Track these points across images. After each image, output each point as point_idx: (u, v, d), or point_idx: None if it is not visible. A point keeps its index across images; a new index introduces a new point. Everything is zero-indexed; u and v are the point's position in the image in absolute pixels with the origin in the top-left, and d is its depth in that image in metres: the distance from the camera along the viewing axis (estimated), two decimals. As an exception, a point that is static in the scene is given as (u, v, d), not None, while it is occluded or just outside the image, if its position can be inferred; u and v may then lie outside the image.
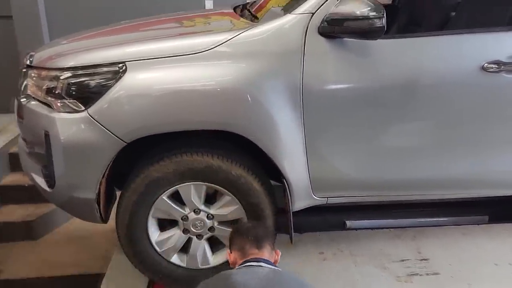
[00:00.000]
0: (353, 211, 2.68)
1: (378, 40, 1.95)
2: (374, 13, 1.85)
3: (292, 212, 2.20)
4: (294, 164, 2.11)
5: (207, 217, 2.17)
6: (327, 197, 2.26)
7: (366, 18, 1.85)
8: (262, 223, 2.09)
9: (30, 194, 3.31)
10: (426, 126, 2.19)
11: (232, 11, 2.72)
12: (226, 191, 2.11)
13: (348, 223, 2.66)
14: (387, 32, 1.95)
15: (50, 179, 2.04)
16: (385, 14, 1.87)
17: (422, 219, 2.75)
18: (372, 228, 2.73)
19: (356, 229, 2.71)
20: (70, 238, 3.42)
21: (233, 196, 2.12)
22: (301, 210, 2.25)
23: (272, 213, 2.19)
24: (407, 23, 3.07)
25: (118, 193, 2.28)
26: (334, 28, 1.93)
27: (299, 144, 2.08)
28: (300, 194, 2.17)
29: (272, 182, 2.27)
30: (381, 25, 1.86)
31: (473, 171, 2.30)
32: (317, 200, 2.24)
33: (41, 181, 2.12)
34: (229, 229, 2.07)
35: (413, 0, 3.19)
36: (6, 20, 4.37)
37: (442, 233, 2.69)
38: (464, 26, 2.47)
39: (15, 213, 3.46)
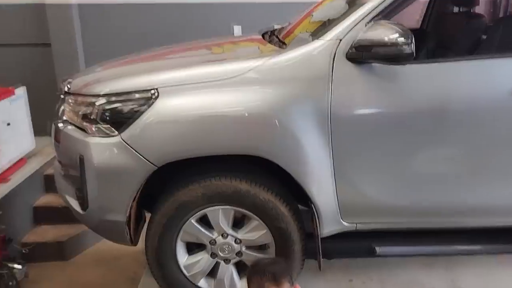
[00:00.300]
0: (384, 238, 2.62)
1: (407, 65, 1.95)
2: (402, 39, 1.85)
3: (321, 238, 2.18)
4: (322, 189, 2.10)
5: (235, 241, 2.17)
6: (356, 223, 2.23)
7: (394, 44, 1.86)
8: (279, 259, 2.07)
9: (62, 215, 3.39)
10: (457, 151, 2.15)
11: (260, 37, 2.77)
12: (254, 216, 2.11)
13: (378, 249, 2.60)
14: (416, 56, 1.95)
15: (83, 202, 2.10)
16: (413, 40, 1.87)
17: (456, 247, 2.65)
18: (403, 256, 2.66)
19: (386, 256, 2.65)
20: (99, 260, 3.47)
21: (261, 221, 2.12)
22: (330, 235, 2.23)
23: (300, 238, 2.18)
24: (436, 48, 3.05)
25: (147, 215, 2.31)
26: (362, 54, 1.95)
27: (327, 169, 2.08)
28: (328, 219, 2.16)
29: (300, 206, 2.27)
30: (410, 51, 1.86)
31: (506, 197, 2.23)
32: (346, 225, 2.21)
33: (74, 203, 2.19)
34: (257, 254, 2.07)
35: (442, 25, 3.18)
36: (45, 48, 4.58)
37: (477, 262, 2.60)
38: (494, 50, 2.44)
39: (48, 233, 3.55)
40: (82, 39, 4.65)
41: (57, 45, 4.55)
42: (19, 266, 2.93)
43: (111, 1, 4.59)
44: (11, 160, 3.72)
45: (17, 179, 3.59)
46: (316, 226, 2.15)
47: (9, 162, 3.69)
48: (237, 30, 4.66)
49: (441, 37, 3.09)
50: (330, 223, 2.17)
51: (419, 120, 2.08)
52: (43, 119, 4.23)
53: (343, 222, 2.20)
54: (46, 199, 3.79)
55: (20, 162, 3.86)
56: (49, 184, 3.82)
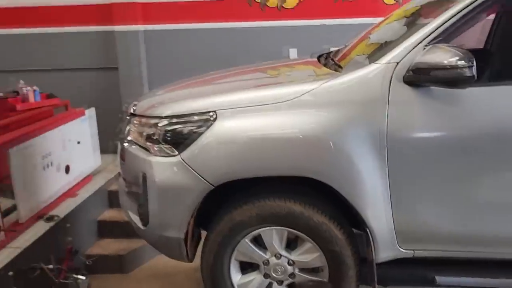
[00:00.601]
0: (444, 266, 2.50)
1: (468, 88, 1.90)
2: (463, 62, 1.81)
3: (376, 263, 2.13)
4: (378, 214, 2.06)
5: (288, 263, 2.18)
6: (414, 250, 2.16)
7: (454, 67, 1.82)
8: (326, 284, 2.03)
9: (124, 230, 3.55)
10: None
11: (316, 60, 2.81)
12: (307, 238, 2.11)
13: (438, 279, 2.48)
14: (479, 78, 1.89)
15: (144, 218, 2.21)
16: (475, 62, 1.82)
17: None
18: (465, 287, 2.52)
19: (446, 286, 2.52)
20: (155, 275, 3.58)
21: (314, 243, 2.12)
22: (386, 261, 2.17)
23: (354, 262, 2.14)
24: (501, 69, 2.92)
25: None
26: (420, 77, 1.92)
27: (384, 194, 2.05)
28: (384, 245, 2.11)
29: (355, 231, 2.23)
30: (471, 74, 1.81)
31: None
32: (402, 252, 2.15)
33: (136, 219, 2.30)
34: (310, 277, 2.05)
35: (507, 45, 3.05)
36: (112, 71, 4.90)
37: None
38: None
39: (109, 246, 3.73)
40: (146, 63, 4.92)
41: (124, 69, 4.86)
42: (83, 277, 3.09)
43: (173, 27, 4.85)
44: (79, 176, 3.99)
45: (84, 194, 3.84)
46: (371, 251, 2.11)
47: (77, 178, 3.96)
48: (293, 53, 4.74)
49: (506, 58, 2.96)
50: (386, 248, 2.12)
51: (482, 145, 2.00)
52: (107, 139, 4.53)
53: (400, 248, 2.14)
54: (110, 214, 3.99)
55: (87, 179, 4.12)
56: (112, 199, 4.03)
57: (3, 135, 3.21)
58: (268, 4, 4.76)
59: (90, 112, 4.26)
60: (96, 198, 3.93)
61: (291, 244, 2.20)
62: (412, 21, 2.40)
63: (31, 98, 3.91)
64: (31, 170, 3.29)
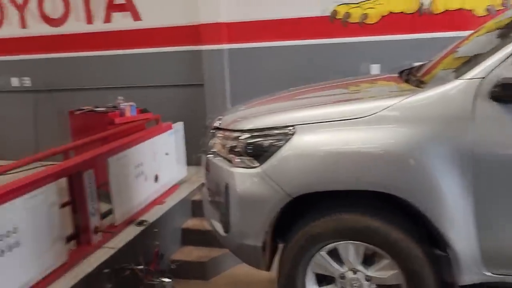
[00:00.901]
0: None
1: None
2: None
3: (459, 286, 2.04)
4: (461, 235, 1.99)
5: (365, 278, 2.17)
6: (502, 275, 2.03)
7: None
8: None
9: (206, 238, 3.73)
10: None
11: (397, 75, 2.78)
12: (385, 254, 2.09)
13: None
14: None
15: (226, 225, 2.33)
16: None
17: None
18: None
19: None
20: (235, 283, 3.71)
21: (392, 260, 2.08)
22: (470, 285, 2.07)
23: (434, 284, 2.07)
24: None
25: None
26: (509, 93, 1.84)
27: (468, 213, 1.97)
28: (468, 268, 2.02)
29: (437, 251, 2.16)
30: None
31: None
32: (489, 277, 2.04)
33: (218, 227, 2.43)
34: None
35: None
36: (198, 88, 5.21)
37: None
38: None
39: (192, 253, 3.94)
40: (230, 79, 5.16)
41: (209, 85, 5.15)
42: (168, 280, 3.30)
43: (256, 45, 5.04)
44: (166, 185, 4.29)
45: (170, 202, 4.12)
46: (454, 274, 2.03)
47: (164, 187, 4.25)
48: (375, 69, 4.68)
49: None
50: (470, 272, 2.03)
51: None
52: (192, 151, 4.80)
53: (486, 272, 2.03)
54: (193, 222, 4.22)
55: (173, 188, 4.41)
56: (196, 209, 4.27)
57: (104, 146, 3.58)
58: (349, 20, 4.78)
59: (178, 126, 4.57)
60: (181, 206, 4.19)
61: (369, 259, 2.19)
62: (504, 34, 2.29)
63: (128, 113, 4.30)
64: (125, 178, 3.62)
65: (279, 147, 2.15)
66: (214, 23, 5.00)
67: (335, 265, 2.20)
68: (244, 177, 2.21)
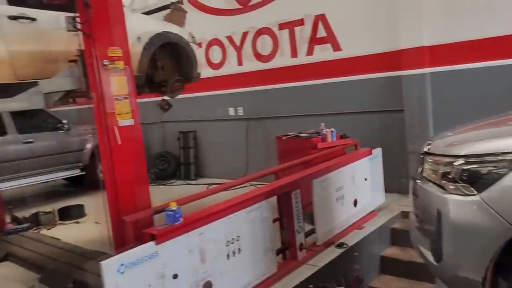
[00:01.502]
0: None
1: None
2: None
3: None
4: None
5: None
6: None
7: None
8: None
9: (406, 269, 3.60)
10: None
11: None
12: None
13: None
14: None
15: (438, 254, 2.22)
16: None
17: None
18: None
19: None
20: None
21: None
22: None
23: None
24: None
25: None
26: None
27: None
28: None
29: None
30: None
31: None
32: None
33: (428, 255, 2.33)
34: None
35: None
36: (397, 113, 5.11)
37: None
38: None
39: (391, 283, 3.83)
40: (432, 104, 4.91)
41: (409, 110, 5.00)
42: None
43: (461, 67, 4.69)
44: (364, 210, 4.30)
45: (369, 228, 4.11)
46: None
47: (363, 212, 4.28)
48: None
49: None
50: None
51: None
52: (390, 177, 4.70)
53: None
54: (392, 251, 4.12)
55: (372, 214, 4.40)
56: (395, 237, 4.15)
57: (309, 168, 3.84)
58: None
59: (377, 152, 4.56)
60: (380, 233, 4.14)
61: None
62: None
63: (329, 138, 4.52)
64: (327, 200, 3.79)
65: (502, 175, 1.97)
66: (415, 48, 4.87)
67: None
68: (459, 205, 2.09)
